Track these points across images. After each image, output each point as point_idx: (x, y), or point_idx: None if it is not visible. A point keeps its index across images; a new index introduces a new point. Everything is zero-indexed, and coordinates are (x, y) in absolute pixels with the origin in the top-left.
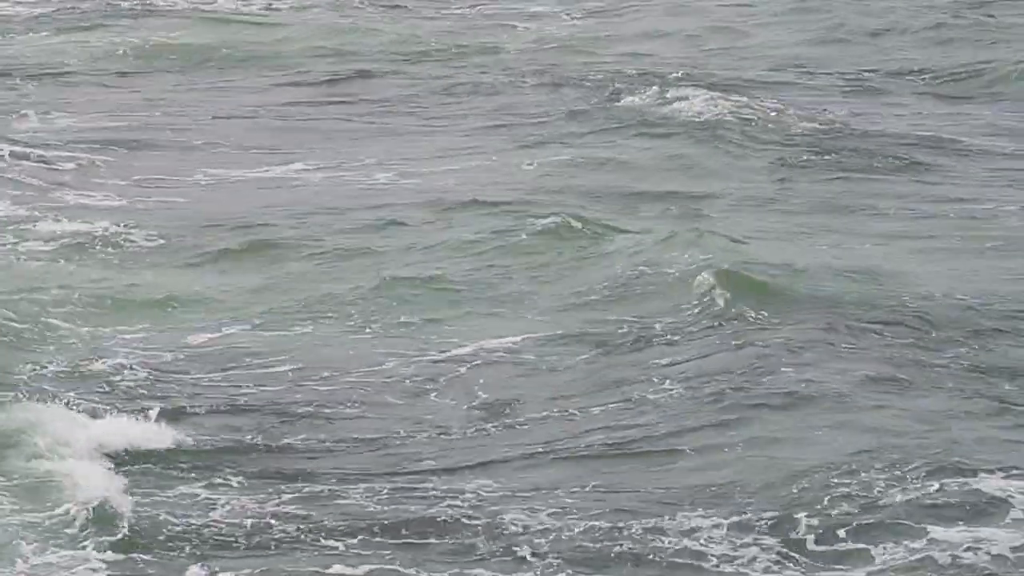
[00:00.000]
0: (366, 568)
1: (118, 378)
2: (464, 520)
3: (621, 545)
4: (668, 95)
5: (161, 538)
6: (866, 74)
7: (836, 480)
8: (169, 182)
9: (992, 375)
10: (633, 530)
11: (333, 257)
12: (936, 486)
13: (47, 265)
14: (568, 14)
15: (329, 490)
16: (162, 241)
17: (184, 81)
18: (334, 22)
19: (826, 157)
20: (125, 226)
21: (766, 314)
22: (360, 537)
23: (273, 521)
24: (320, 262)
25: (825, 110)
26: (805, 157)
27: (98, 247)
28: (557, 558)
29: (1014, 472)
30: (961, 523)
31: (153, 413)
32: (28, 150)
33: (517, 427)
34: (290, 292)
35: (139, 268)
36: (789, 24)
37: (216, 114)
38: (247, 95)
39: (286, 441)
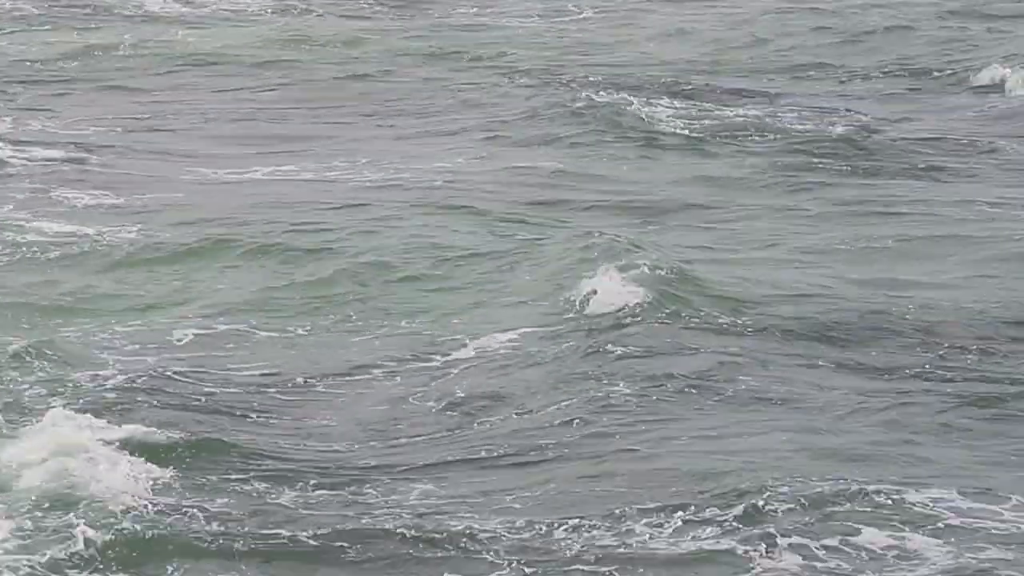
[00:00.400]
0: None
1: (100, 378)
2: (409, 525)
3: (570, 547)
4: (670, 98)
5: (110, 539)
6: (872, 76)
7: (779, 482)
8: (162, 183)
9: (976, 386)
10: (582, 530)
11: (323, 257)
12: (880, 496)
13: (36, 266)
14: (574, 10)
15: (280, 493)
16: (153, 241)
17: (178, 82)
18: (330, 24)
19: (827, 160)
20: (117, 227)
21: (746, 320)
22: (306, 544)
23: (216, 525)
24: (310, 261)
25: (826, 112)
26: (807, 160)
27: (88, 248)
28: (505, 559)
29: (957, 487)
30: (895, 531)
31: (134, 414)
32: (17, 150)
33: (474, 429)
34: (279, 291)
35: (131, 268)
36: (792, 25)
37: (209, 116)
38: (243, 96)
39: (246, 442)
